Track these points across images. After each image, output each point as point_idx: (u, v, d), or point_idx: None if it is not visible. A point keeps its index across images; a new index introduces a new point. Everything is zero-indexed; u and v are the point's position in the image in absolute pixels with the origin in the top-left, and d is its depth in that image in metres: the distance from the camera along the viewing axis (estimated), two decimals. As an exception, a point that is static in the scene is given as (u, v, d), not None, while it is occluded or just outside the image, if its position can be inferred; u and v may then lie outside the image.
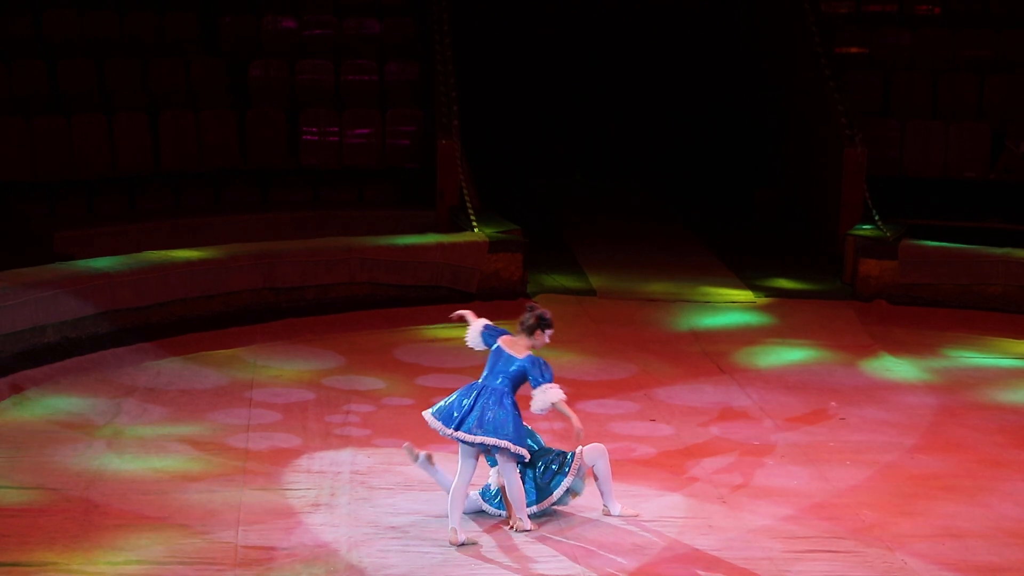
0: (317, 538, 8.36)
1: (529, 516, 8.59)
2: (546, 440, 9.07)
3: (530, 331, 8.56)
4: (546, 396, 8.42)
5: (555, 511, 8.76)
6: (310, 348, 12.48)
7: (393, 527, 8.53)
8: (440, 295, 13.96)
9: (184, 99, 15.75)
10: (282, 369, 11.83)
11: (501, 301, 14.00)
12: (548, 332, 8.60)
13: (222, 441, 10.01)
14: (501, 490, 8.67)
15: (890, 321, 13.92)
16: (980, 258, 14.47)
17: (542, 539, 8.45)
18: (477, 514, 8.75)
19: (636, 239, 16.77)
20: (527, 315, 8.60)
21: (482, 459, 8.74)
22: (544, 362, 8.52)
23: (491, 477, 8.74)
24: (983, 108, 16.81)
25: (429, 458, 8.80)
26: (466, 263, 14.09)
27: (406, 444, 8.84)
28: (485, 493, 8.78)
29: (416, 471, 9.40)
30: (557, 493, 8.69)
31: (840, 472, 9.73)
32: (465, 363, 12.01)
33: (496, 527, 8.60)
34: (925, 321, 13.95)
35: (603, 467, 8.76)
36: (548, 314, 8.62)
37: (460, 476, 8.50)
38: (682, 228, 17.58)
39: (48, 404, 10.73)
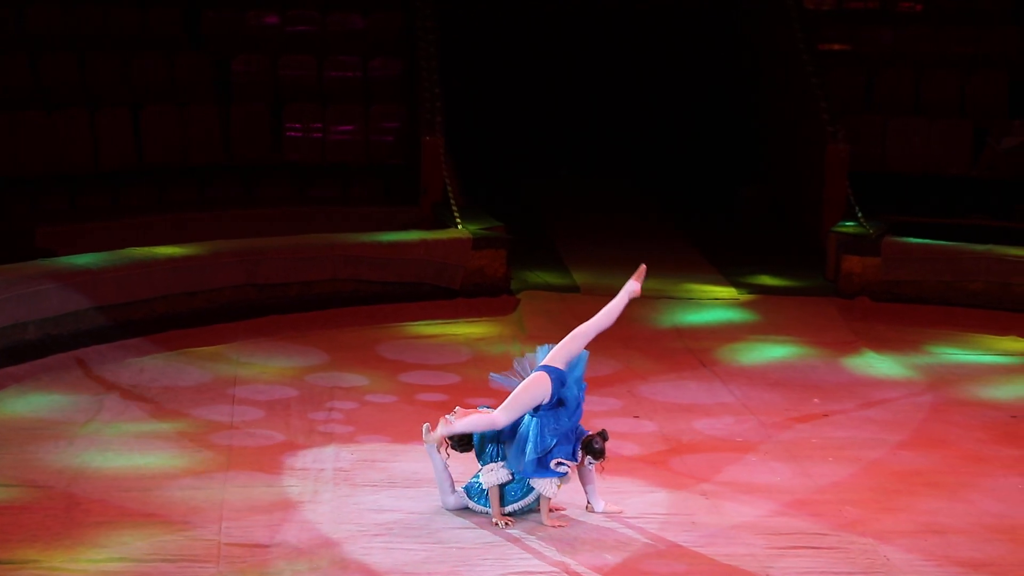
0: (300, 535, 8.34)
1: (511, 513, 8.60)
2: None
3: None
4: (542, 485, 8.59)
5: (539, 508, 8.75)
6: (293, 345, 12.45)
7: (377, 524, 8.52)
8: (424, 292, 13.95)
9: (167, 94, 15.71)
10: (265, 366, 11.80)
11: (485, 298, 14.01)
12: (587, 458, 8.64)
13: (205, 438, 9.98)
14: (490, 490, 8.67)
15: (873, 318, 13.95)
16: (963, 255, 14.49)
17: (525, 535, 8.45)
18: (462, 511, 8.75)
19: (621, 236, 16.75)
20: (595, 435, 8.65)
21: (471, 456, 8.78)
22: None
23: (482, 474, 8.71)
24: (966, 105, 16.86)
25: (439, 446, 8.78)
26: (450, 260, 14.07)
27: (426, 424, 8.83)
28: (470, 490, 8.78)
29: (401, 467, 9.40)
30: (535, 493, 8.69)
31: (823, 468, 9.74)
32: (448, 360, 12.02)
33: (480, 523, 8.60)
34: (908, 318, 13.97)
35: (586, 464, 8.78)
36: (599, 444, 8.61)
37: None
38: (667, 225, 17.57)
39: (30, 401, 10.69)
